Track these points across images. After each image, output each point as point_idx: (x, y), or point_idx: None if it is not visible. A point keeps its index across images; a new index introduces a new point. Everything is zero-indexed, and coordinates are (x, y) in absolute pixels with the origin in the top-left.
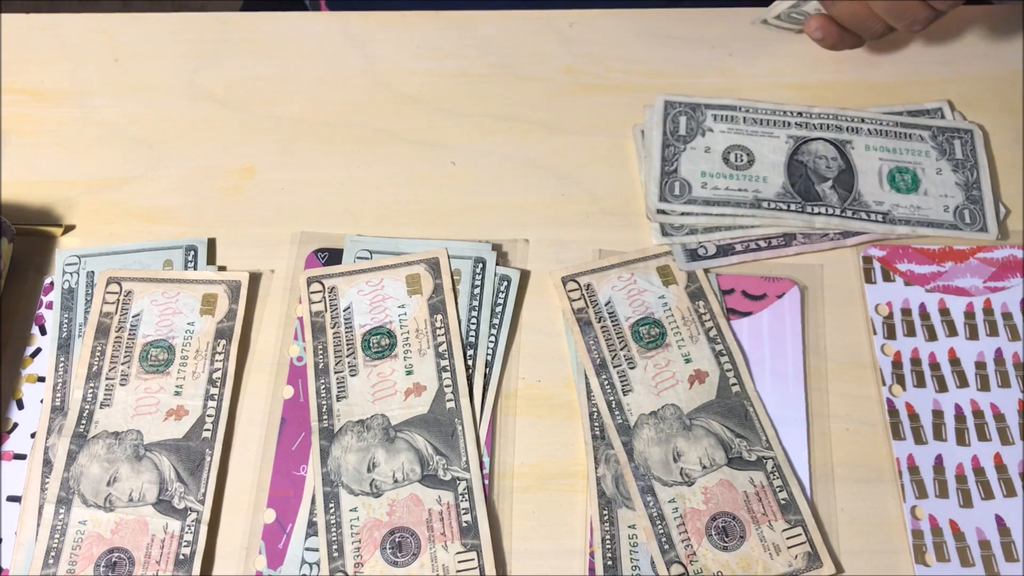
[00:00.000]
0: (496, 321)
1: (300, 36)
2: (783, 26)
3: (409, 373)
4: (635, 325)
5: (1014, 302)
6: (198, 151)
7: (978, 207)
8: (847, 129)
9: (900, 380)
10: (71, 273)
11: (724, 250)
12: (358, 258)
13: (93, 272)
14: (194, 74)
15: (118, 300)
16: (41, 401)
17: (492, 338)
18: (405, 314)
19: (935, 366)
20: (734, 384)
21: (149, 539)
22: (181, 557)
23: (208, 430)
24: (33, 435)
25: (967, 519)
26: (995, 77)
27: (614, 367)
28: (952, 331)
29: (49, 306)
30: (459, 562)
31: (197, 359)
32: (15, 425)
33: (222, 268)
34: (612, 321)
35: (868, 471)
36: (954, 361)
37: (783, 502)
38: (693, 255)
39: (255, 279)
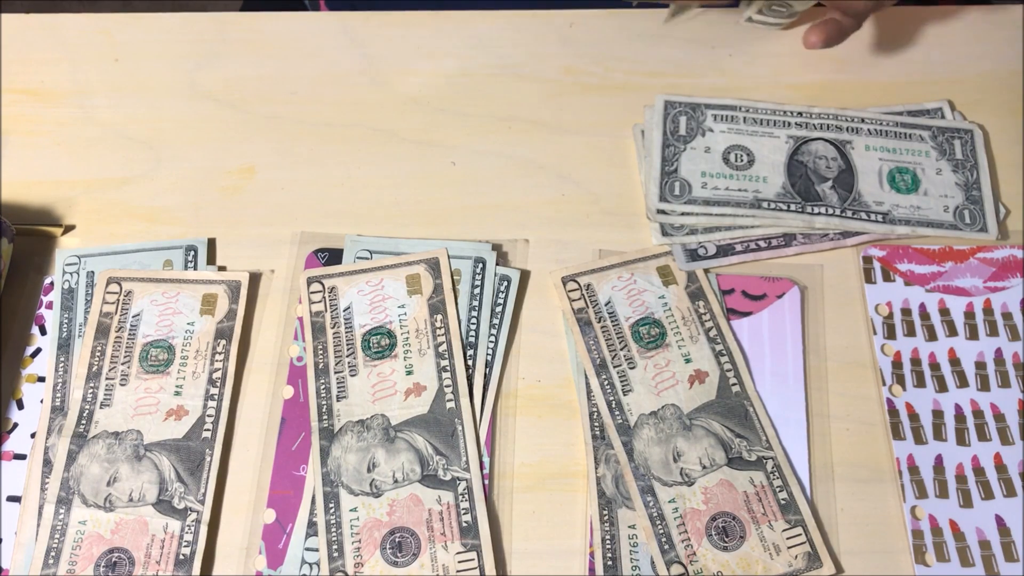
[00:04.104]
0: (496, 321)
1: (300, 36)
2: (768, 21)
3: (409, 373)
4: (635, 325)
5: (1014, 302)
6: (198, 151)
7: (978, 207)
8: (847, 129)
9: (900, 380)
10: (71, 273)
11: (724, 250)
12: (358, 258)
13: (93, 272)
14: (194, 74)
15: (118, 300)
16: (41, 401)
17: (492, 338)
18: (405, 314)
19: (935, 366)
20: (734, 384)
21: (149, 539)
22: (181, 557)
23: (208, 430)
24: (33, 435)
25: (967, 519)
26: (995, 77)
27: (614, 367)
28: (952, 331)
29: (49, 306)
30: (459, 562)
31: (197, 359)
32: (15, 425)
33: (222, 268)
34: (612, 321)
35: (868, 471)
36: (954, 361)
37: (783, 502)
38: (693, 255)
39: (255, 279)
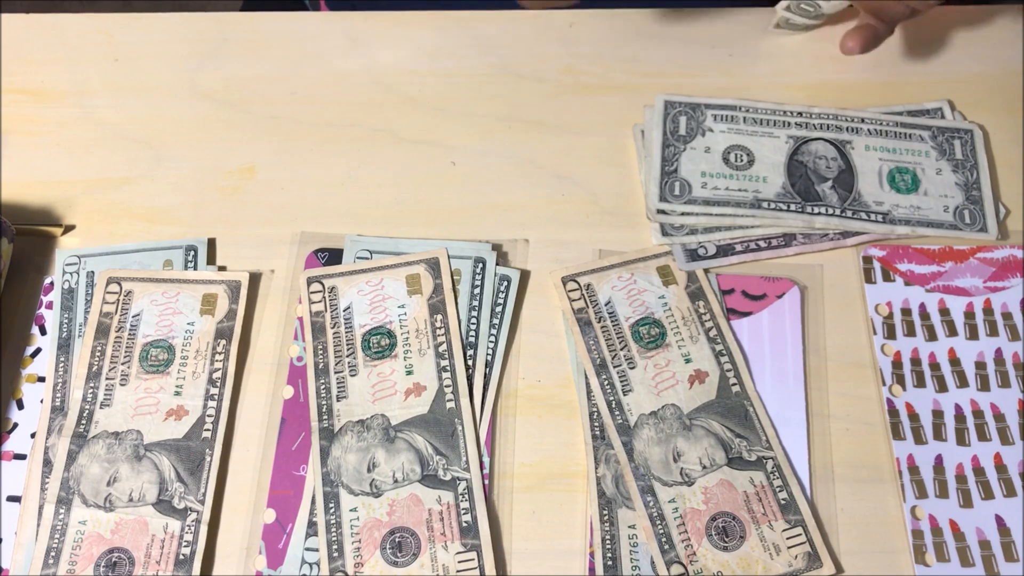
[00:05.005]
0: (496, 321)
1: (300, 36)
2: (797, 22)
3: (409, 373)
4: (635, 325)
5: (1014, 302)
6: (198, 151)
7: (978, 207)
8: (847, 129)
9: (900, 380)
10: (71, 273)
11: (724, 250)
12: (358, 258)
13: (93, 272)
14: (194, 74)
15: (118, 300)
16: (41, 401)
17: (492, 338)
18: (405, 314)
19: (935, 366)
20: (734, 384)
21: (149, 539)
22: (181, 557)
23: (208, 430)
24: (33, 435)
25: (967, 519)
26: (995, 77)
27: (614, 367)
28: (952, 331)
29: (49, 306)
30: (459, 562)
31: (197, 359)
32: (15, 425)
33: (222, 268)
34: (612, 321)
35: (868, 471)
36: (954, 361)
37: (783, 502)
38: (693, 255)
39: (255, 279)
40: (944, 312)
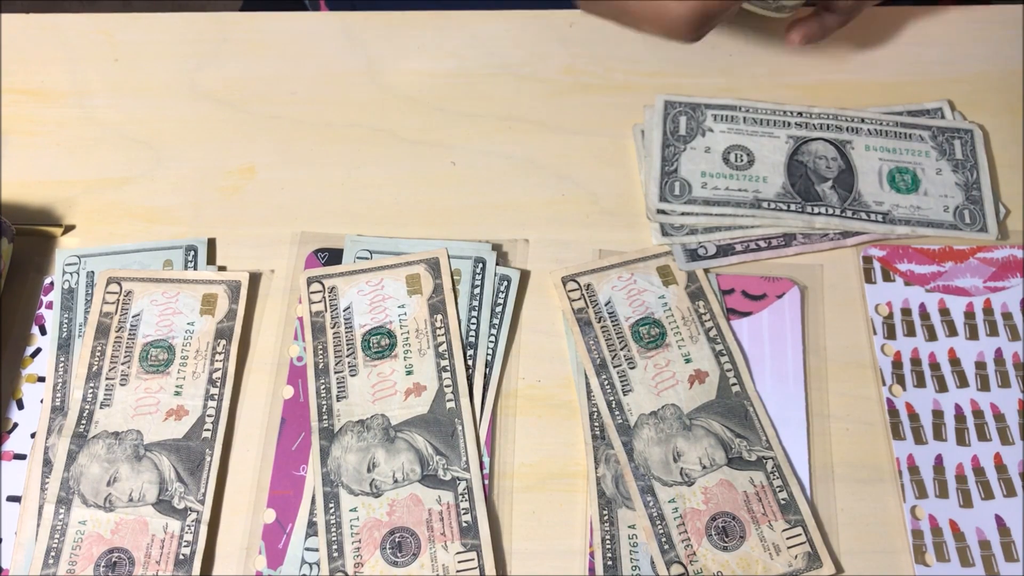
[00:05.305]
0: (496, 321)
1: (300, 36)
2: (757, 11)
3: (409, 373)
4: (635, 325)
5: (1014, 302)
6: (198, 151)
7: (978, 207)
8: (847, 129)
9: (900, 380)
10: (71, 273)
11: (724, 250)
12: (358, 258)
13: (93, 272)
14: (194, 74)
15: (118, 300)
16: (41, 401)
17: (492, 338)
18: (405, 314)
19: (935, 366)
20: (734, 384)
21: (149, 539)
22: (181, 557)
23: (208, 430)
24: (33, 435)
25: (967, 519)
26: (995, 77)
27: (614, 367)
28: (952, 331)
29: (49, 306)
30: (459, 562)
31: (197, 359)
32: (15, 425)
33: (222, 268)
34: (612, 321)
35: (868, 471)
36: (954, 361)
37: (783, 502)
38: (693, 255)
39: (255, 279)
40: (944, 312)
